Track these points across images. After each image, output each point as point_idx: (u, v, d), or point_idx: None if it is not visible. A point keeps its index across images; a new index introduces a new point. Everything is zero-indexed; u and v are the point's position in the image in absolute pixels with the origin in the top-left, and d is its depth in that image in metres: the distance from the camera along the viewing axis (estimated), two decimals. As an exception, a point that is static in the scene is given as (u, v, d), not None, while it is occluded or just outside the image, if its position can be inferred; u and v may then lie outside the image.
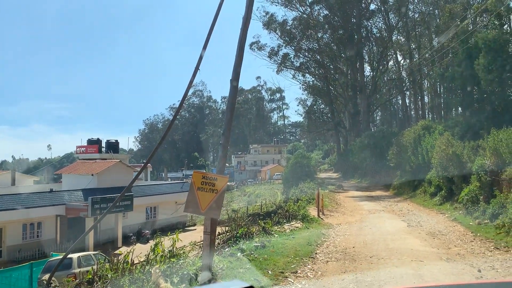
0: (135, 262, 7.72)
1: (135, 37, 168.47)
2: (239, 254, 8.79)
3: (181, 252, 7.75)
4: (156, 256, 7.04)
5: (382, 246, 11.02)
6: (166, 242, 7.78)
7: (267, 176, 77.38)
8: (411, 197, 25.42)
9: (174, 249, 7.40)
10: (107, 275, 6.17)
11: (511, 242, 10.49)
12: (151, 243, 8.11)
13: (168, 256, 7.07)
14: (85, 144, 47.65)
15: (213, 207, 6.52)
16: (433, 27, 52.52)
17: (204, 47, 7.76)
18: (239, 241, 9.88)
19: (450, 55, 40.95)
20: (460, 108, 38.76)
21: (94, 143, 46.73)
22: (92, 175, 30.96)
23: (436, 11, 52.24)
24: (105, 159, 38.64)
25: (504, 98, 28.73)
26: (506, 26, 34.09)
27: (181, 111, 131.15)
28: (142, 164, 63.60)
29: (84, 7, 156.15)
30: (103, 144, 47.25)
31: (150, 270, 6.56)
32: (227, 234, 11.24)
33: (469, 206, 15.54)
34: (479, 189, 15.49)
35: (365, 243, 11.69)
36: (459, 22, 37.34)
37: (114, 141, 48.05)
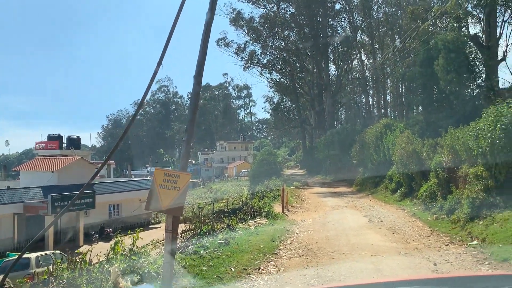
0: (95, 261, 7.53)
1: (98, 30, 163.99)
2: (202, 251, 8.75)
3: (143, 250, 7.61)
4: (116, 254, 6.90)
5: (344, 242, 11.26)
6: (128, 240, 7.65)
7: (233, 173, 77.39)
8: (373, 193, 26.06)
9: (135, 247, 7.27)
10: (63, 275, 6.00)
11: (465, 236, 10.94)
12: (114, 241, 7.98)
13: (128, 255, 6.93)
14: (45, 140, 46.22)
15: (175, 204, 6.43)
16: (396, 28, 53.96)
17: (167, 42, 7.64)
18: (203, 239, 9.83)
19: (411, 55, 42.19)
20: (420, 107, 39.99)
21: (54, 139, 45.36)
22: (52, 172, 30.01)
23: (399, 12, 53.63)
24: (66, 156, 37.54)
25: (461, 98, 29.87)
26: (464, 28, 35.44)
27: (146, 106, 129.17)
28: (105, 161, 61.74)
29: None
30: (64, 140, 45.90)
31: (109, 269, 6.42)
32: (191, 231, 11.16)
33: (427, 202, 16.08)
34: (437, 185, 16.04)
35: (327, 239, 11.90)
36: (420, 24, 38.51)
37: (75, 137, 46.72)
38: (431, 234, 12.10)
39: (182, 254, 8.60)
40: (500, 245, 8.99)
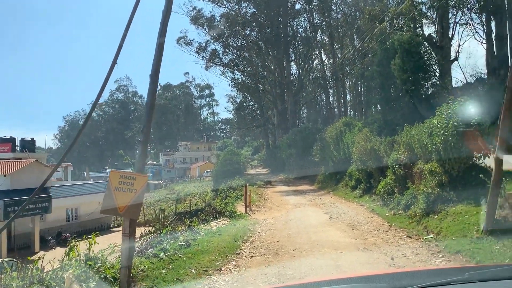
0: (50, 268, 7.22)
1: (53, 28, 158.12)
2: (162, 254, 8.58)
3: (100, 255, 7.37)
4: (71, 260, 6.64)
5: (305, 239, 11.36)
6: (85, 245, 7.38)
7: (196, 174, 76.70)
8: (334, 190, 26.52)
9: (91, 252, 7.02)
10: (12, 284, 5.69)
11: (421, 230, 11.30)
12: (86, 240, 7.69)
13: (84, 260, 6.69)
14: (-2, 143, 44.05)
15: (132, 207, 6.27)
16: (355, 28, 55.22)
17: (122, 40, 7.44)
18: (163, 241, 9.63)
19: (369, 55, 43.30)
20: (378, 106, 41.08)
21: (6, 141, 43.29)
22: (5, 176, 28.65)
23: (357, 13, 54.87)
24: (20, 159, 35.95)
25: (417, 96, 30.93)
26: (419, 29, 36.73)
27: (104, 107, 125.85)
28: (62, 163, 60.08)
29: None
30: (17, 143, 44.00)
31: (64, 275, 6.17)
32: (151, 234, 10.92)
33: (385, 197, 16.51)
34: (394, 181, 16.50)
35: (289, 237, 11.98)
36: (377, 24, 39.57)
37: (29, 139, 44.85)
38: (389, 229, 12.42)
39: (141, 258, 8.40)
40: (453, 238, 9.35)
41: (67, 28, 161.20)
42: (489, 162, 11.66)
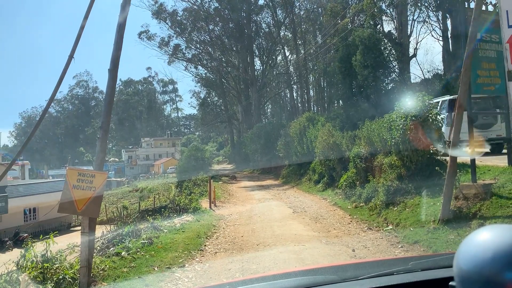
0: (5, 270, 6.93)
1: (7, 19, 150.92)
2: (123, 252, 8.41)
3: (58, 255, 7.14)
4: (27, 261, 6.39)
5: (269, 233, 11.45)
6: (42, 246, 7.12)
7: (160, 170, 75.71)
8: (298, 184, 26.85)
9: (49, 253, 6.79)
10: (-39, 289, 5.43)
11: (382, 222, 11.62)
12: (43, 240, 7.38)
13: (41, 261, 6.46)
14: None
15: (91, 205, 6.11)
16: (317, 24, 55.87)
17: (79, 34, 7.21)
18: (125, 240, 9.45)
19: (332, 51, 43.95)
20: (340, 101, 41.82)
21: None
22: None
23: (320, 9, 55.52)
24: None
25: (377, 92, 31.70)
26: (379, 26, 37.63)
27: (63, 103, 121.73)
28: (19, 162, 57.82)
29: None
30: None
31: (19, 277, 5.94)
32: (113, 233, 10.68)
33: (347, 191, 16.86)
34: (355, 175, 16.88)
35: (253, 231, 12.03)
36: (339, 21, 40.22)
37: (-16, 137, 42.97)
38: (351, 221, 12.71)
39: (102, 257, 8.21)
40: (411, 229, 9.67)
41: (23, 19, 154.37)
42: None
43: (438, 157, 12.65)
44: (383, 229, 10.84)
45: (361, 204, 14.61)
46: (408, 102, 13.22)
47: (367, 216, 12.86)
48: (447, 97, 15.46)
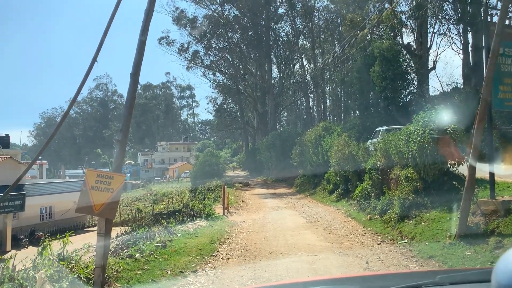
0: (22, 267, 7.05)
1: (31, 22, 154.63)
2: (137, 255, 8.48)
3: (74, 255, 7.24)
4: (43, 260, 6.50)
5: (282, 242, 11.41)
6: (59, 245, 7.23)
7: (175, 174, 76.19)
8: (312, 194, 26.70)
9: (65, 252, 6.89)
10: (-19, 284, 5.55)
11: (396, 235, 11.49)
12: (60, 239, 7.52)
13: (57, 260, 6.56)
14: (-32, 138, 42.95)
15: (108, 207, 6.20)
16: (336, 34, 55.88)
17: (103, 37, 7.37)
18: (139, 242, 9.53)
19: (350, 61, 43.86)
20: (357, 112, 41.62)
21: (-20, 137, 42.31)
22: (-21, 173, 27.99)
23: (339, 19, 55.53)
24: (-5, 155, 35.11)
25: (395, 104, 31.51)
26: (398, 37, 37.45)
27: (82, 105, 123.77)
28: (37, 161, 58.93)
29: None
30: (-9, 138, 43.00)
31: (36, 275, 6.03)
32: (127, 234, 10.78)
33: (362, 202, 16.72)
34: (371, 186, 16.72)
35: (266, 239, 12.00)
36: (358, 31, 40.15)
37: (4, 135, 43.89)
38: (365, 233, 12.58)
39: (117, 258, 8.29)
40: (427, 243, 9.54)
41: (46, 22, 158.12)
42: (463, 170, 11.97)
43: (456, 171, 12.49)
44: (397, 243, 10.71)
45: (376, 216, 14.46)
46: (426, 115, 13.09)
47: (382, 229, 12.72)
48: (384, 127, 21.78)
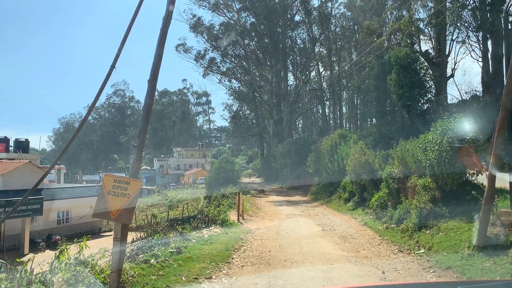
0: (39, 270, 7.16)
1: (51, 29, 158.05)
2: (152, 260, 8.52)
3: (90, 259, 7.31)
4: (60, 263, 6.58)
5: (297, 250, 11.33)
6: (76, 249, 7.32)
7: (190, 181, 76.51)
8: (327, 202, 26.50)
9: (82, 256, 6.96)
10: (0, 285, 5.63)
11: (413, 245, 11.30)
12: (76, 244, 7.63)
13: (74, 264, 6.63)
14: (-10, 143, 44.01)
15: (125, 212, 6.24)
16: (353, 42, 55.68)
17: (122, 44, 7.47)
18: (154, 247, 9.57)
19: (366, 69, 43.58)
20: (374, 119, 41.26)
21: (1, 141, 43.34)
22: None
23: (356, 26, 55.33)
24: (13, 159, 35.87)
25: (413, 112, 31.11)
26: (416, 45, 37.07)
27: (100, 110, 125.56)
28: (56, 166, 59.75)
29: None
30: (11, 143, 44.01)
31: (53, 279, 6.11)
32: (143, 240, 10.85)
33: (378, 211, 16.52)
34: (387, 195, 16.52)
35: (281, 247, 11.93)
36: (375, 39, 39.91)
37: (24, 140, 44.93)
38: (381, 243, 12.41)
39: (132, 263, 8.34)
40: (445, 254, 9.35)
41: (65, 29, 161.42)
42: (482, 179, 11.74)
43: (474, 181, 12.26)
44: (414, 253, 10.54)
45: (392, 226, 14.26)
46: (445, 123, 12.90)
47: (398, 238, 12.54)
48: None
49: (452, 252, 9.17)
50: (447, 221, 11.38)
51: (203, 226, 14.20)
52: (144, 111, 6.88)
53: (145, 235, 11.32)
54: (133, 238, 11.22)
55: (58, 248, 7.16)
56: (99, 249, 8.32)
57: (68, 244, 7.04)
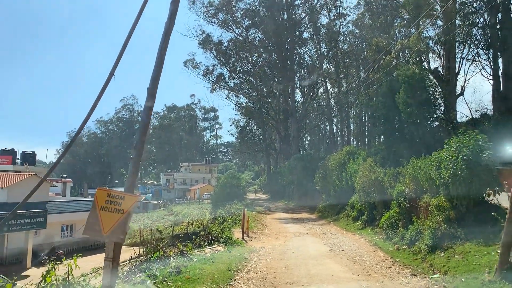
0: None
1: (61, 43, 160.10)
2: (149, 281, 7.99)
3: (81, 279, 6.80)
4: (46, 285, 6.08)
5: (304, 272, 10.71)
6: (79, 263, 6.82)
7: (196, 196, 75.97)
8: (335, 220, 25.80)
9: (70, 277, 6.46)
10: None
11: (427, 268, 10.65)
12: (65, 263, 7.14)
13: (62, 286, 6.13)
14: (-3, 155, 44.04)
15: (117, 230, 5.75)
16: (361, 59, 55.41)
17: (121, 52, 7.09)
18: (153, 267, 9.04)
19: (375, 86, 43.14)
20: (382, 137, 40.65)
21: (7, 153, 43.33)
22: (2, 188, 28.35)
23: (364, 44, 55.16)
24: (20, 172, 35.70)
25: (422, 130, 30.49)
26: (425, 62, 36.63)
27: (108, 124, 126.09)
28: (62, 178, 59.58)
29: (9, 7, 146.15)
30: (18, 156, 43.96)
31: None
32: (141, 258, 10.31)
33: (388, 231, 15.88)
34: (398, 214, 15.90)
35: (287, 268, 11.32)
36: (383, 56, 39.55)
37: (31, 152, 44.87)
38: (393, 265, 11.77)
39: (128, 284, 7.82)
40: (462, 279, 8.73)
41: (75, 43, 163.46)
42: (502, 199, 11.15)
43: (493, 201, 11.63)
44: (429, 277, 9.90)
45: (404, 247, 13.61)
46: (460, 140, 12.34)
47: (411, 260, 11.88)
48: None
49: (471, 278, 8.53)
50: (463, 243, 10.75)
51: (206, 243, 13.63)
52: (142, 121, 6.45)
53: (145, 252, 10.77)
54: (131, 256, 10.71)
55: (61, 262, 6.68)
56: (92, 268, 7.81)
57: (57, 264, 6.54)
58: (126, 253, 11.91)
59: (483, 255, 9.47)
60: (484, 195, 11.62)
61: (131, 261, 10.06)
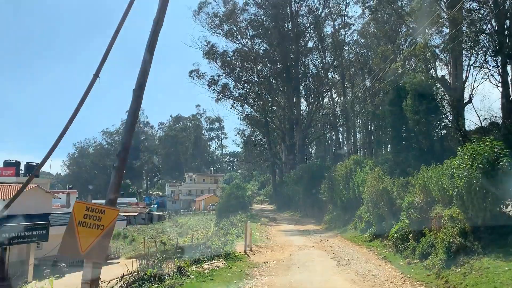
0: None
1: (68, 54, 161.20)
2: (137, 303, 7.32)
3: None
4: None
5: (309, 290, 9.99)
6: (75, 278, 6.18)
7: (201, 206, 75.30)
8: (342, 232, 24.97)
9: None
10: None
11: (442, 286, 9.90)
12: (67, 277, 6.52)
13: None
14: (1, 166, 43.96)
15: (97, 248, 5.12)
16: (366, 68, 54.84)
17: (108, 50, 6.54)
18: (145, 285, 8.36)
19: (381, 94, 42.47)
20: (389, 145, 39.90)
21: (11, 165, 43.20)
22: (4, 200, 27.94)
23: (369, 53, 54.67)
24: (23, 183, 35.34)
25: (430, 138, 29.72)
26: (431, 70, 35.96)
27: (114, 135, 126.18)
28: (67, 190, 59.20)
29: (20, 19, 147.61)
30: (22, 167, 43.78)
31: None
32: (134, 275, 9.64)
33: (398, 244, 15.10)
34: (408, 226, 15.10)
35: (290, 286, 10.58)
36: (389, 64, 38.94)
37: (34, 164, 44.67)
38: (404, 281, 11.01)
39: (116, 305, 7.15)
40: (483, 299, 7.97)
41: (83, 56, 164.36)
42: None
43: (510, 212, 10.87)
44: (444, 295, 9.14)
45: (415, 261, 12.83)
46: (474, 147, 11.60)
47: (424, 276, 11.11)
48: None
49: (493, 298, 7.79)
50: (480, 258, 9.99)
51: (205, 258, 12.91)
52: (127, 125, 5.87)
53: (138, 268, 10.10)
54: (123, 274, 10.03)
55: (63, 275, 6.04)
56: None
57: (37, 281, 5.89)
58: (123, 267, 11.25)
59: (504, 271, 8.72)
60: (501, 206, 10.86)
61: (123, 278, 9.39)
